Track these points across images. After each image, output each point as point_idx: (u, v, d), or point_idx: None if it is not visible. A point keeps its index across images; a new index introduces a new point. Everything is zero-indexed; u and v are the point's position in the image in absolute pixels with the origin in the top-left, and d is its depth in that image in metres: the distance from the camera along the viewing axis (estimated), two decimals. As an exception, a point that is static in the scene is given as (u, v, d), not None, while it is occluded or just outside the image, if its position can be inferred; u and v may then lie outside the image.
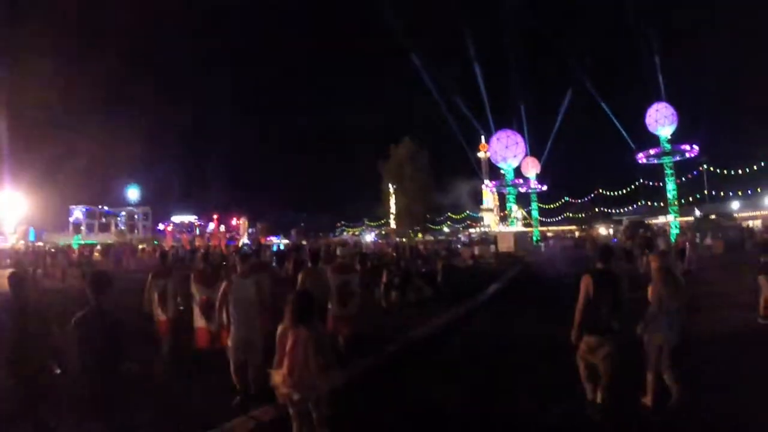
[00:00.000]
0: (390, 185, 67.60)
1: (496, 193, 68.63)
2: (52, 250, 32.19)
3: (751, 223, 43.87)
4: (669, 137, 37.57)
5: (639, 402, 5.16)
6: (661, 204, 47.81)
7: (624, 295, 5.10)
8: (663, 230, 34.64)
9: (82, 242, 58.01)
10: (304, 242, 47.44)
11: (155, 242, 59.60)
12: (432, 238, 64.41)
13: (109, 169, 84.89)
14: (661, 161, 39.09)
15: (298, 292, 4.47)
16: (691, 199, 48.39)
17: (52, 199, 66.77)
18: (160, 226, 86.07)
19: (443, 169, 73.10)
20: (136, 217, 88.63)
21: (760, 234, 30.03)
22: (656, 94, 38.08)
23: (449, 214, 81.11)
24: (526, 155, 44.97)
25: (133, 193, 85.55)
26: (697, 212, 48.31)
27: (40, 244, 49.93)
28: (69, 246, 42.13)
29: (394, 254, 20.78)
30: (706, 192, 50.75)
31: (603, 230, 58.73)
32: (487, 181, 61.08)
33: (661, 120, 37.04)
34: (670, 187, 39.09)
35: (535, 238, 45.40)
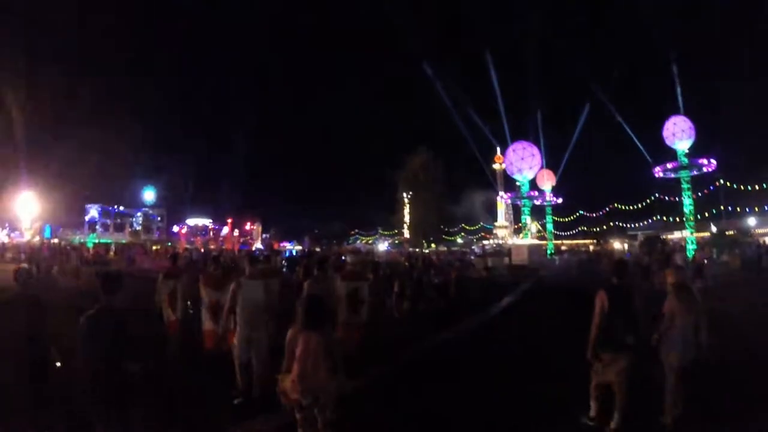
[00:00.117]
0: (404, 194, 67.67)
1: (510, 207, 68.31)
2: (68, 247, 32.54)
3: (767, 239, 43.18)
4: (686, 151, 37.13)
5: (659, 423, 5.04)
6: (676, 219, 47.23)
7: (639, 311, 5.01)
8: (679, 245, 34.22)
9: (97, 241, 58.64)
10: (317, 249, 47.50)
11: (169, 244, 60.05)
12: (445, 248, 64.25)
13: (127, 170, 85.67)
14: (678, 175, 38.52)
15: (308, 296, 4.45)
16: (706, 214, 47.63)
17: (68, 197, 67.63)
18: (175, 229, 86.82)
19: (458, 179, 72.80)
20: (151, 218, 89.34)
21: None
22: (674, 108, 37.74)
23: (463, 225, 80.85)
24: (542, 167, 44.66)
25: (149, 195, 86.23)
26: (713, 228, 47.65)
27: (56, 241, 50.58)
28: (83, 244, 42.62)
29: (407, 264, 20.67)
30: (722, 207, 49.99)
31: (617, 245, 58.12)
32: (501, 193, 60.75)
33: (679, 134, 36.56)
34: (687, 202, 38.57)
35: (549, 251, 45.03)
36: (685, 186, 38.36)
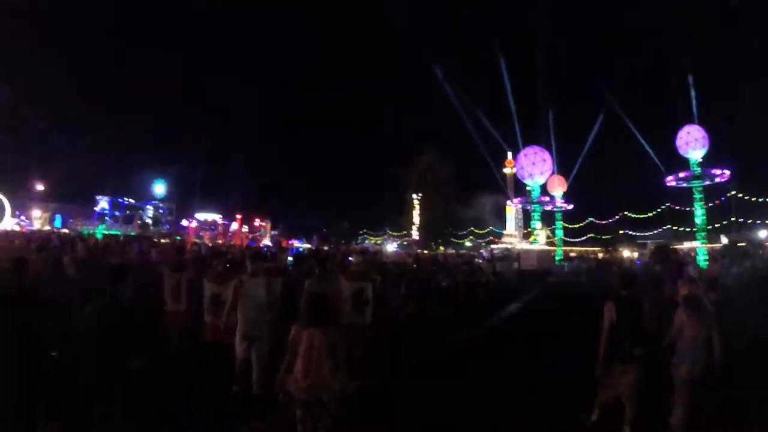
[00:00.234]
0: (413, 195, 67.57)
1: (520, 212, 67.98)
2: (76, 238, 32.66)
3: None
4: (699, 160, 36.79)
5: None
6: (687, 229, 46.83)
7: (648, 322, 4.94)
8: (690, 256, 33.86)
9: (106, 232, 59.02)
10: (325, 247, 47.52)
11: (177, 237, 60.33)
12: (453, 251, 64.07)
13: (137, 163, 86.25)
14: (690, 185, 38.22)
15: (312, 294, 4.41)
16: (717, 225, 47.12)
17: (79, 188, 68.30)
18: (184, 223, 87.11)
19: (467, 182, 72.55)
20: (160, 211, 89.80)
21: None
22: (688, 116, 37.38)
23: (472, 228, 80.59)
24: (553, 173, 44.40)
25: (159, 188, 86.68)
26: (724, 239, 47.18)
27: (65, 231, 50.92)
28: (91, 235, 42.87)
29: (415, 265, 20.59)
30: (733, 219, 49.46)
31: (626, 253, 57.69)
32: (511, 200, 60.52)
33: (692, 143, 36.24)
34: (699, 212, 38.23)
35: (558, 258, 44.77)
36: (697, 196, 38.07)
